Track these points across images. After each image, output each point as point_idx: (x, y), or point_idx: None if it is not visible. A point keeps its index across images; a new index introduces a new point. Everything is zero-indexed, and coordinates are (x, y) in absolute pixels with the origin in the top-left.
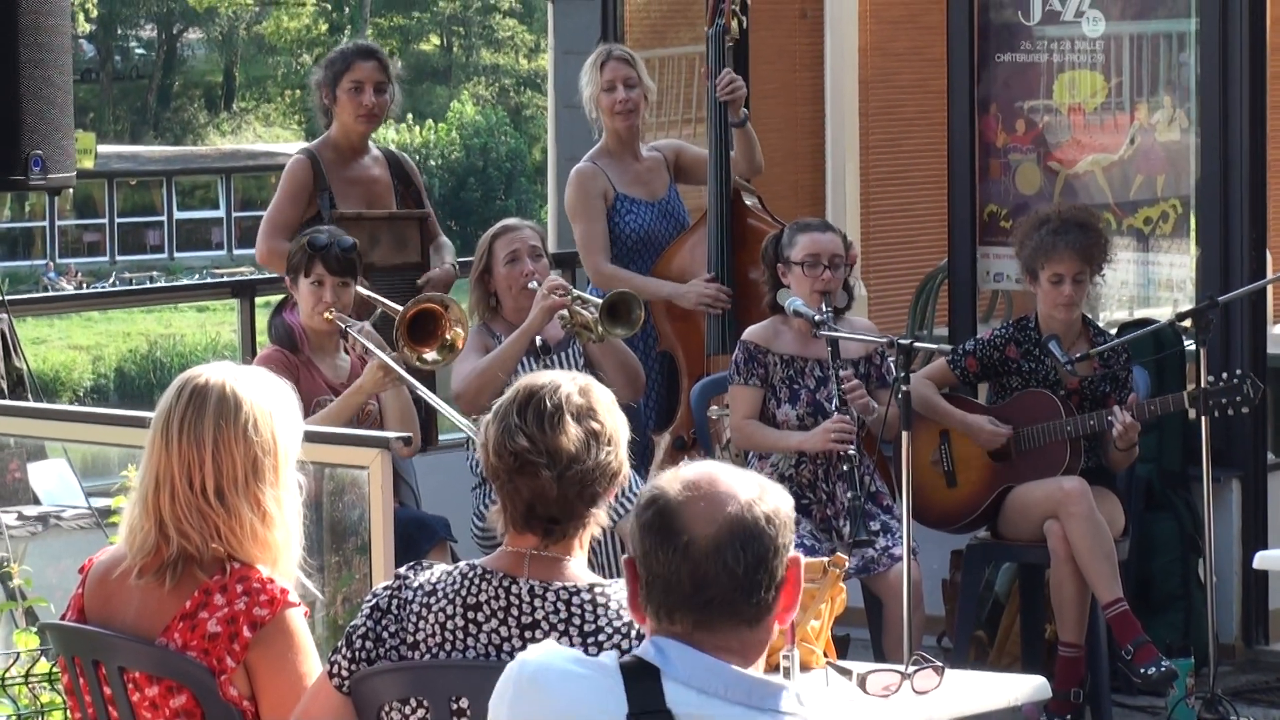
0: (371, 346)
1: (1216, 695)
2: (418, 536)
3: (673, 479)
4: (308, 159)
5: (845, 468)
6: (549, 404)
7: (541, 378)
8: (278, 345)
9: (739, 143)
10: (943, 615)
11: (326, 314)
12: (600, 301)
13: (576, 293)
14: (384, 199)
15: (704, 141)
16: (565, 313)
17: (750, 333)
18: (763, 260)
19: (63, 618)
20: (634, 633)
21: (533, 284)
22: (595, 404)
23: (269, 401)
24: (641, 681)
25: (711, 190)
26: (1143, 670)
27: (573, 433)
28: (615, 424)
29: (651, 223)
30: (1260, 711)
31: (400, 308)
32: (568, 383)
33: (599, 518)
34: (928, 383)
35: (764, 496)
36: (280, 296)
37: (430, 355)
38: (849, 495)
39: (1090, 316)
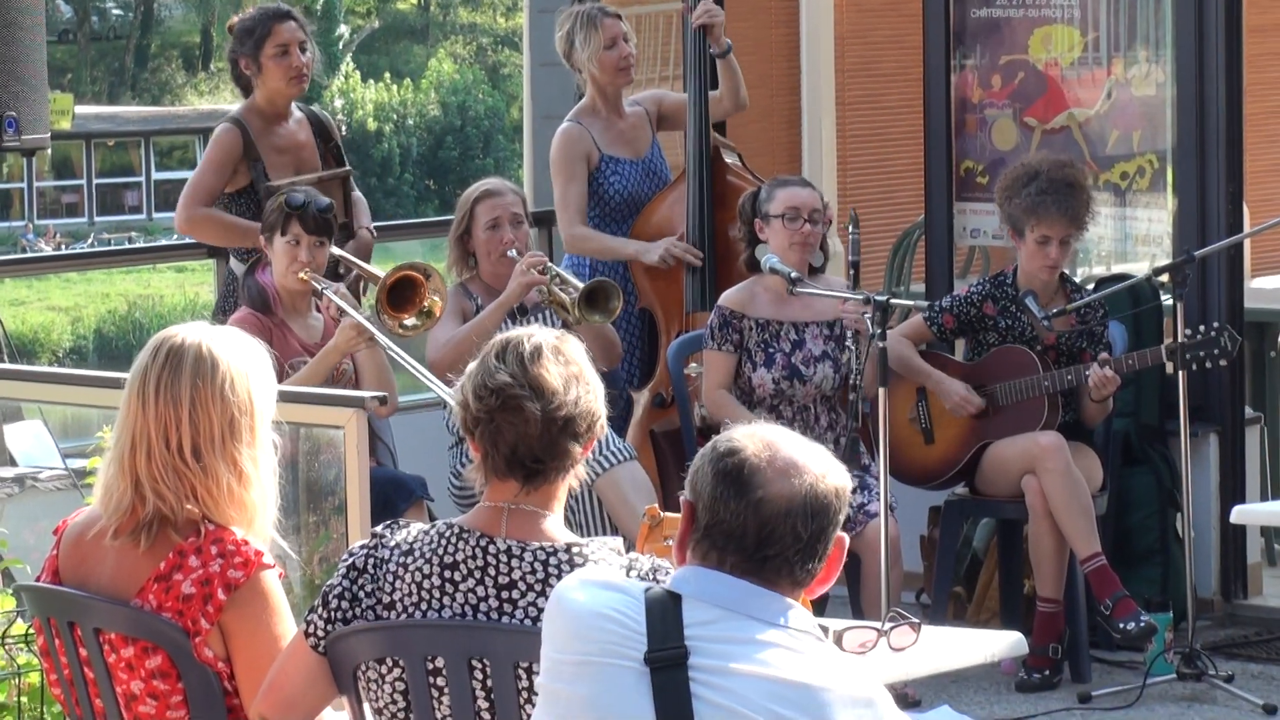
0: (346, 307)
1: (1195, 650)
2: (394, 496)
3: (751, 435)
4: (237, 128)
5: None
6: (528, 345)
7: (516, 330)
8: (250, 307)
9: (723, 76)
10: (921, 571)
11: (301, 274)
12: (579, 285)
13: (556, 270)
14: (310, 162)
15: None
16: (544, 288)
17: (726, 297)
18: (740, 217)
19: (38, 579)
20: None
21: (512, 252)
22: (570, 352)
23: (245, 361)
24: (663, 614)
25: (691, 147)
26: (1121, 625)
27: (553, 369)
28: (591, 373)
29: (636, 183)
30: (1238, 666)
31: (376, 271)
32: (542, 332)
33: (578, 469)
34: (905, 340)
35: (834, 472)
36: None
37: (409, 321)
38: (845, 426)
39: (1067, 273)
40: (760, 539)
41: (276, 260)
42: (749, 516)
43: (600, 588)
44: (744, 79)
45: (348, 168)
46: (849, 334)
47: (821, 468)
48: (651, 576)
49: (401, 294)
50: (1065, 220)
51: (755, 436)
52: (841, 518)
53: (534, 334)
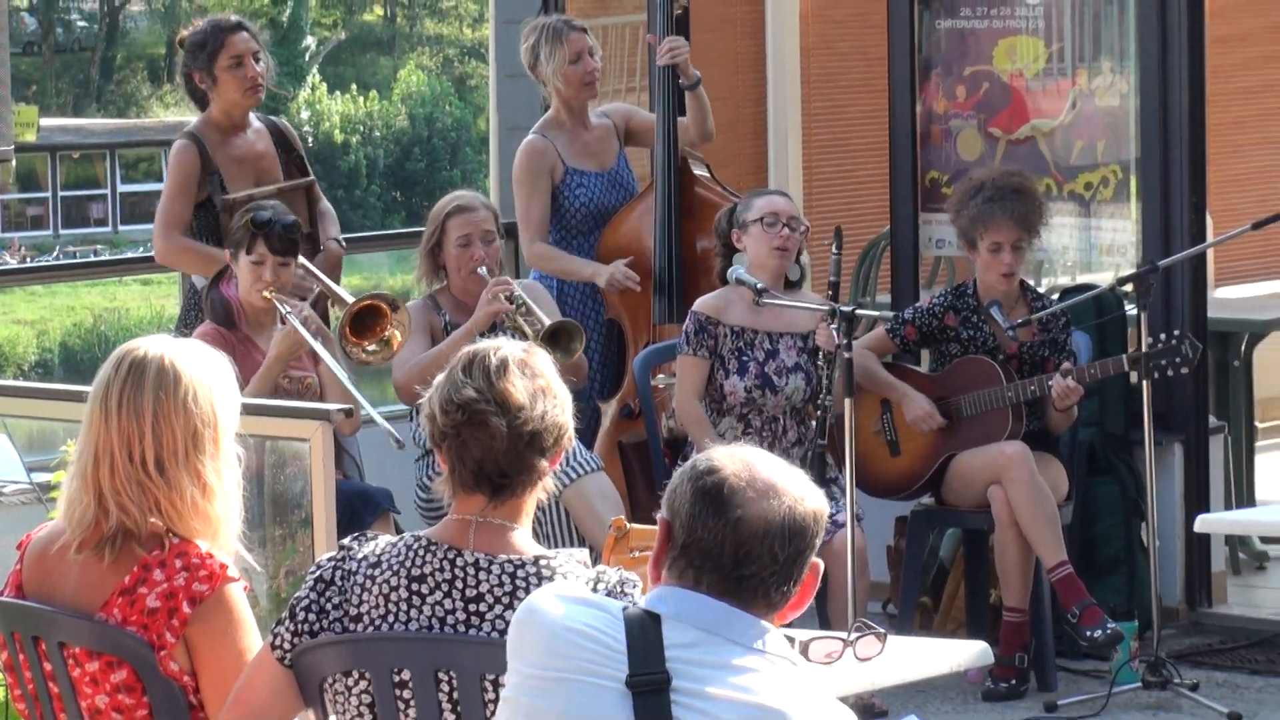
0: (303, 331)
1: (1160, 658)
2: (361, 509)
3: (731, 456)
4: (193, 143)
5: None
6: (494, 359)
7: (483, 343)
8: (214, 321)
9: (690, 107)
10: (888, 582)
11: (265, 292)
12: (545, 321)
13: (523, 299)
14: (271, 172)
15: (648, 108)
16: (510, 315)
17: (701, 303)
18: (715, 233)
19: (1, 594)
20: None
21: (482, 270)
22: (537, 364)
23: (208, 373)
24: (644, 635)
25: (659, 160)
26: (1088, 633)
27: (519, 384)
28: (559, 385)
29: (601, 195)
30: (1203, 674)
31: (341, 292)
32: (509, 344)
33: (546, 481)
34: (868, 352)
35: (812, 496)
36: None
37: (370, 347)
38: (811, 441)
39: (1029, 282)
40: (738, 558)
41: (241, 278)
42: (727, 535)
43: (576, 603)
44: (711, 90)
45: (310, 177)
46: (820, 354)
47: (800, 491)
48: (619, 590)
49: (364, 321)
50: (1012, 224)
51: (735, 457)
52: (818, 542)
53: (500, 347)
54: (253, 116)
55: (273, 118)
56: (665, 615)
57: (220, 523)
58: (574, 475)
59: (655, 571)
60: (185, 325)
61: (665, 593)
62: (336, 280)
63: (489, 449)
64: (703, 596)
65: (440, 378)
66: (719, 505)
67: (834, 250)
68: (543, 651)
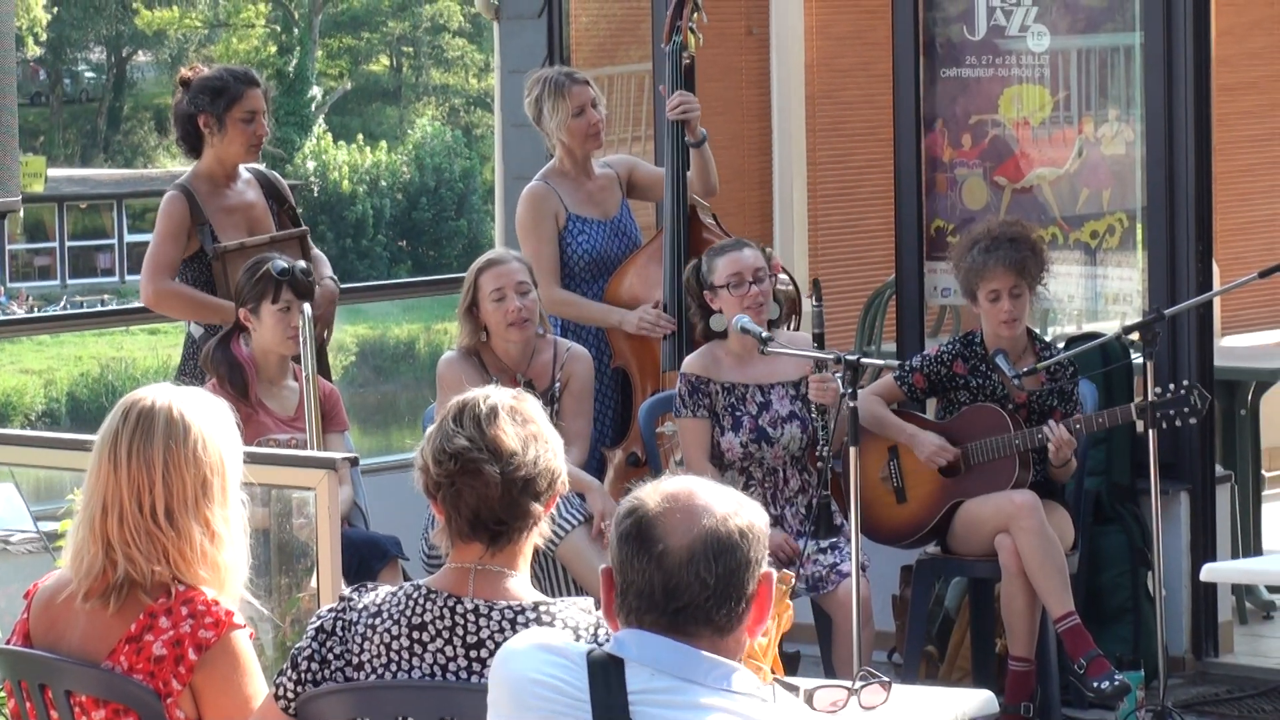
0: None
1: (1167, 708)
2: (369, 556)
3: (652, 491)
4: (182, 195)
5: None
6: (484, 407)
7: (472, 392)
8: (227, 386)
9: (695, 164)
10: (893, 631)
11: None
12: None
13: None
14: (262, 222)
15: (653, 158)
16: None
17: (689, 364)
18: (687, 291)
19: (8, 642)
20: None
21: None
22: (528, 411)
23: (214, 422)
24: (606, 681)
25: (668, 207)
26: (1095, 684)
27: (510, 430)
28: (550, 431)
29: (604, 243)
30: None
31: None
32: (498, 393)
33: (542, 526)
34: (876, 398)
35: (739, 511)
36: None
37: None
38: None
39: (1035, 330)
40: (667, 592)
41: (268, 329)
42: (654, 572)
43: (540, 650)
44: (716, 138)
45: (304, 228)
46: (813, 405)
47: (725, 509)
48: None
49: None
50: (1008, 271)
51: (657, 490)
52: (755, 555)
53: (490, 395)
54: (241, 167)
55: (259, 167)
56: (629, 660)
57: (228, 571)
58: (564, 530)
59: (612, 623)
60: (184, 375)
61: (628, 636)
62: (332, 316)
63: (484, 497)
64: (663, 638)
65: (431, 429)
66: (641, 544)
67: (814, 302)
68: (511, 705)
